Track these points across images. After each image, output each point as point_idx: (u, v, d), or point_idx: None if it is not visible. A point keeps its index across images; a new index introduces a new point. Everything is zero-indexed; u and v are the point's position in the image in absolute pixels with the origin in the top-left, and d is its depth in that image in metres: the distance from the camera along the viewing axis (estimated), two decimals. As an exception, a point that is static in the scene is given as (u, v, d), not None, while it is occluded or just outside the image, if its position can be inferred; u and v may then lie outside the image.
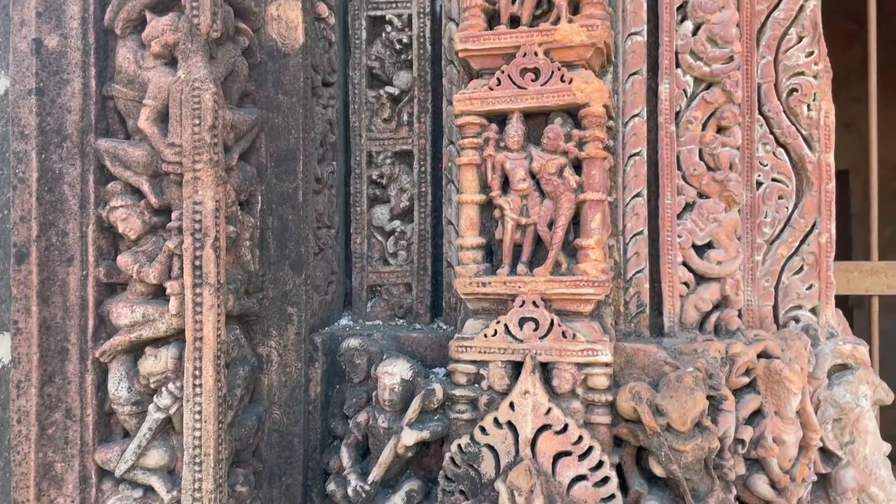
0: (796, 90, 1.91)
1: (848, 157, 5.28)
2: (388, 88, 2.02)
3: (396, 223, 2.02)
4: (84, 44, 1.53)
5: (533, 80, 1.65)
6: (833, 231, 1.93)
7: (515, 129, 1.66)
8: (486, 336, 1.65)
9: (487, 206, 1.72)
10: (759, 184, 1.92)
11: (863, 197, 5.46)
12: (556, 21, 1.65)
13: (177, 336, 1.54)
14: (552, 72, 1.63)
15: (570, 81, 1.63)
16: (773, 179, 1.92)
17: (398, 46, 2.02)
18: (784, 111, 1.91)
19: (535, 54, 1.64)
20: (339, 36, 2.01)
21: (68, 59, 1.52)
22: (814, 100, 1.91)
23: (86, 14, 1.53)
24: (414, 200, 2.00)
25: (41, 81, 1.51)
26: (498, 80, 1.66)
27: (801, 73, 1.91)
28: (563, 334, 1.62)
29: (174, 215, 1.52)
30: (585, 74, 1.65)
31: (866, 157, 2.51)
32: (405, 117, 2.02)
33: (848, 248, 5.46)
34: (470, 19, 1.69)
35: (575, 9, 1.68)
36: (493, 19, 1.73)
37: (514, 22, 1.71)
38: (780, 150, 1.92)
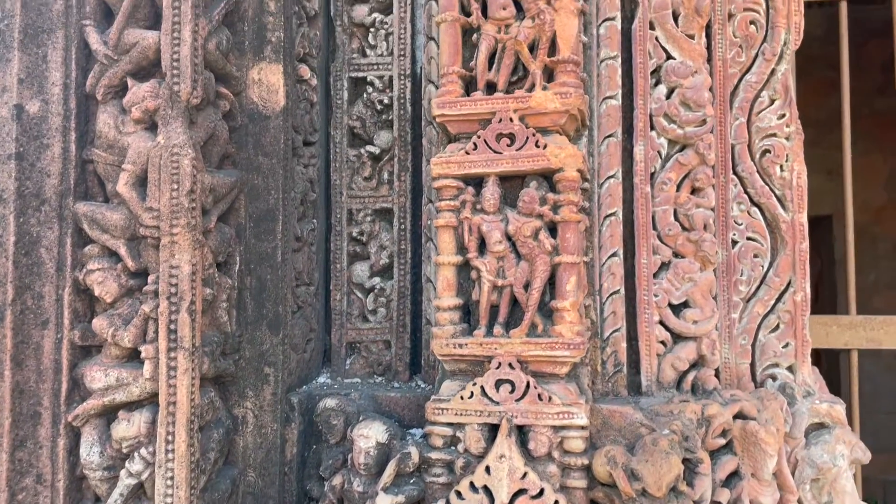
0: (769, 151, 1.95)
1: (830, 203, 5.36)
2: (369, 147, 2.05)
3: (376, 280, 2.03)
4: (65, 109, 1.56)
5: (508, 146, 1.68)
6: (808, 290, 1.95)
7: (491, 192, 1.69)
8: (462, 398, 1.65)
9: (465, 267, 1.73)
10: (734, 242, 1.95)
11: (846, 243, 5.55)
12: (532, 88, 1.69)
13: (151, 400, 1.53)
14: (527, 137, 1.67)
15: (545, 147, 1.66)
16: (748, 238, 1.95)
17: (379, 107, 2.05)
18: (758, 171, 1.95)
19: (511, 120, 1.68)
20: (321, 96, 2.05)
21: (49, 124, 1.55)
22: (786, 161, 1.95)
23: (67, 80, 1.56)
24: (394, 257, 2.02)
25: (21, 146, 1.53)
26: (475, 144, 1.69)
27: (774, 135, 1.96)
28: (539, 397, 1.62)
29: (150, 279, 1.53)
30: (560, 140, 1.69)
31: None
32: (385, 176, 2.05)
33: (833, 293, 5.51)
34: (447, 85, 1.73)
35: (549, 76, 1.72)
36: (470, 84, 1.77)
37: (491, 87, 1.75)
38: (755, 209, 1.96)
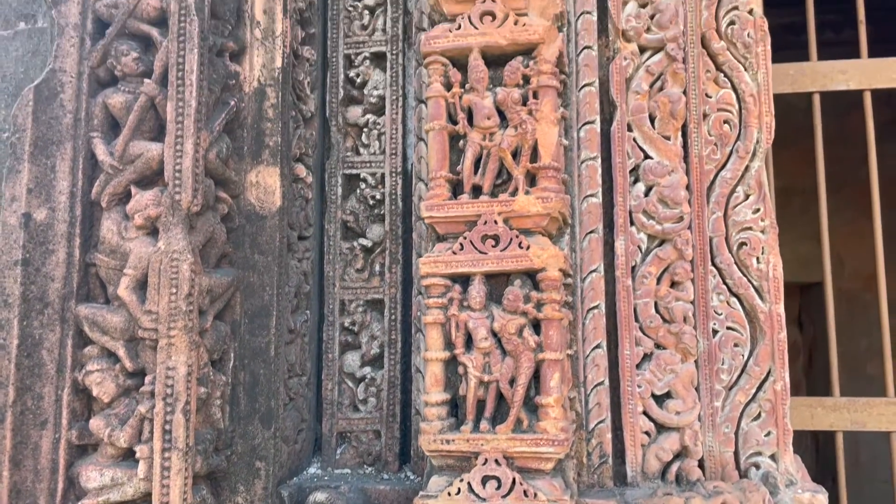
0: (746, 244, 2.03)
1: (820, 271, 5.46)
2: (362, 240, 2.13)
3: (367, 370, 2.08)
4: (71, 216, 1.64)
5: (493, 246, 1.76)
6: (787, 379, 2.00)
7: (477, 290, 1.76)
8: (449, 494, 1.68)
9: (452, 362, 1.79)
10: (714, 331, 2.01)
11: (837, 309, 5.60)
12: (515, 192, 1.78)
13: (144, 499, 1.57)
14: (511, 239, 1.75)
15: (528, 248, 1.74)
16: (728, 328, 2.01)
17: (372, 202, 2.14)
18: (735, 263, 2.03)
19: (496, 222, 1.76)
20: (315, 192, 2.14)
21: (55, 230, 1.63)
22: (762, 253, 2.03)
23: (74, 189, 1.65)
24: (384, 347, 2.08)
25: (27, 252, 1.61)
26: (461, 245, 1.77)
27: (750, 229, 2.04)
28: (525, 493, 1.66)
29: (147, 379, 1.58)
30: (542, 241, 1.77)
31: (839, 269, 2.63)
32: (377, 268, 2.12)
33: (828, 360, 5.54)
34: (436, 189, 1.82)
35: (532, 179, 1.82)
36: (457, 186, 1.86)
37: (477, 190, 1.84)
38: (734, 299, 2.02)
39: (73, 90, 1.65)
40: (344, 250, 2.14)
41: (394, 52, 2.15)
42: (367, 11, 2.18)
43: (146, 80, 1.65)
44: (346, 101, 2.18)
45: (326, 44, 2.18)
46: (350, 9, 2.19)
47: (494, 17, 1.83)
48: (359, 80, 2.17)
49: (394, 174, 2.13)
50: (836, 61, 2.67)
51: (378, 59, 2.18)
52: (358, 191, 2.15)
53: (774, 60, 2.25)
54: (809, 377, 5.61)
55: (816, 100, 2.63)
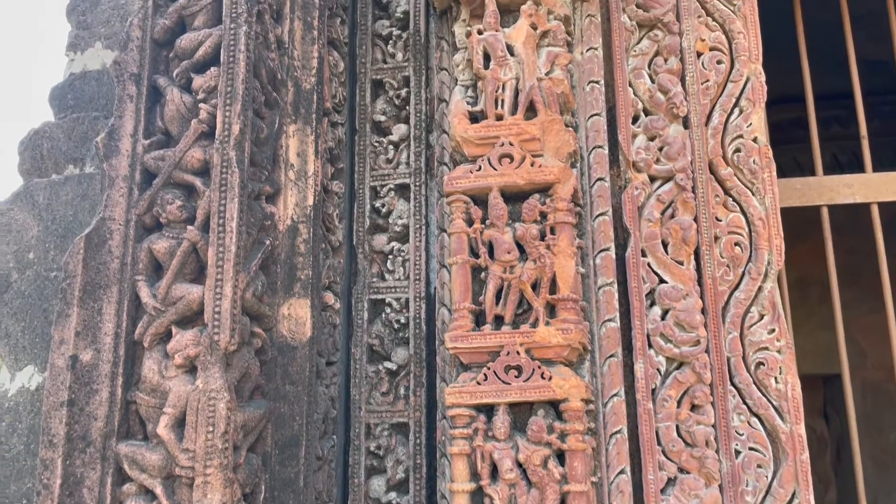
0: (763, 364, 2.07)
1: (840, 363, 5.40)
2: (387, 364, 2.20)
3: (392, 495, 2.11)
4: (115, 356, 1.73)
5: (516, 377, 1.82)
6: (812, 500, 2.00)
7: (502, 420, 1.81)
8: None
9: (478, 492, 1.82)
10: (737, 452, 2.02)
11: (862, 400, 5.49)
12: (535, 323, 1.86)
13: None
14: (533, 370, 1.81)
15: (550, 378, 1.80)
16: (751, 448, 2.03)
17: (396, 326, 2.22)
18: (754, 383, 2.06)
19: (518, 353, 1.83)
20: (342, 317, 2.23)
21: (99, 371, 1.71)
22: (780, 373, 2.07)
23: (119, 329, 1.74)
24: (410, 472, 2.11)
25: (73, 393, 1.69)
26: (485, 375, 1.84)
27: (766, 349, 2.09)
28: None
29: (183, 517, 1.62)
30: (564, 371, 1.83)
31: (861, 360, 2.62)
32: (402, 391, 2.18)
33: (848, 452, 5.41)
34: (459, 320, 1.90)
35: (552, 310, 1.89)
36: (479, 316, 1.94)
37: (499, 319, 1.92)
38: (755, 419, 2.05)
39: (121, 237, 1.77)
40: (370, 374, 2.21)
41: (417, 183, 2.28)
42: (391, 147, 2.32)
43: (189, 227, 1.77)
44: (372, 229, 2.30)
45: (354, 177, 2.32)
46: (376, 144, 2.34)
47: (512, 159, 1.95)
48: (384, 210, 2.29)
49: (418, 299, 2.22)
50: (841, 176, 2.76)
51: (402, 190, 2.31)
52: (383, 315, 2.24)
53: (781, 155, 2.34)
54: (839, 472, 5.48)
55: (825, 213, 2.70)
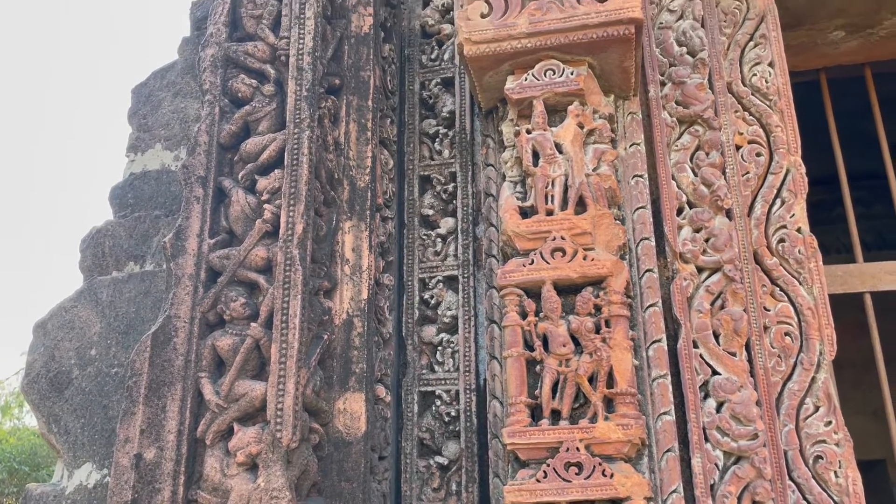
0: (821, 457, 2.04)
1: (881, 447, 5.23)
2: (438, 458, 2.18)
3: None
4: (177, 454, 1.73)
5: (577, 474, 1.80)
6: None
7: (564, 520, 1.77)
8: None
9: None
10: (800, 550, 1.96)
11: (905, 487, 5.28)
12: (594, 418, 1.85)
13: None
14: (594, 467, 1.79)
15: (612, 476, 1.78)
16: (814, 546, 1.97)
17: (447, 418, 2.22)
18: (813, 477, 2.02)
19: (578, 449, 1.81)
20: (392, 410, 2.23)
21: (162, 469, 1.71)
22: (839, 467, 2.02)
23: (181, 427, 1.76)
24: (464, 572, 2.06)
25: (136, 493, 1.69)
26: (545, 472, 1.82)
27: (824, 441, 2.05)
28: None
29: None
30: (625, 468, 1.81)
31: None
32: (454, 486, 2.15)
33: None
34: (516, 415, 1.89)
35: (609, 403, 1.89)
36: (535, 410, 1.93)
37: (556, 413, 1.91)
38: (817, 515, 2.00)
39: (185, 334, 1.81)
40: (420, 468, 2.19)
41: (465, 275, 2.32)
42: (439, 239, 2.38)
43: (252, 324, 1.80)
44: (421, 321, 2.32)
45: (403, 269, 2.37)
46: (424, 237, 2.39)
47: (564, 253, 1.99)
48: (433, 302, 2.33)
49: (468, 391, 2.22)
50: (882, 263, 2.78)
51: (450, 282, 2.34)
52: (433, 407, 2.24)
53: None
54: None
55: (868, 300, 2.71)
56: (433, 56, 2.56)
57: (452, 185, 2.42)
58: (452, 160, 2.44)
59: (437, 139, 2.48)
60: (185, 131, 2.35)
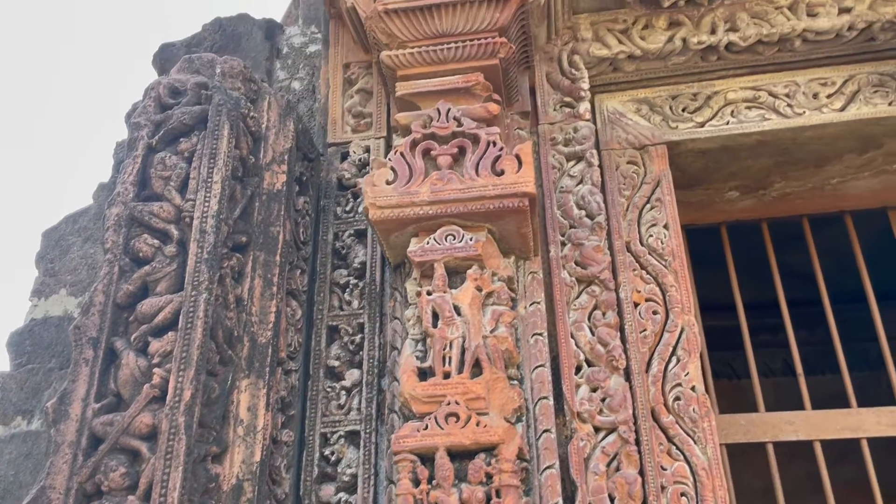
0: None
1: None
2: None
3: None
4: None
5: None
6: None
7: None
8: None
9: None
10: None
11: None
12: None
13: None
14: None
15: None
16: None
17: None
18: None
19: None
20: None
21: None
22: None
23: None
24: None
25: None
26: None
27: None
28: None
29: None
30: None
31: None
32: None
33: None
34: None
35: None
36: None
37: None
38: None
39: (59, 507, 1.74)
40: None
41: (367, 430, 2.31)
42: (344, 392, 2.38)
43: (130, 497, 1.75)
44: (320, 478, 2.28)
45: (304, 423, 2.34)
46: (328, 389, 2.39)
47: (458, 419, 2.01)
48: (333, 458, 2.29)
49: (364, 556, 2.16)
50: (783, 413, 2.87)
51: (352, 437, 2.32)
52: (328, 573, 2.16)
53: (715, 362, 2.40)
54: None
55: (770, 450, 2.77)
56: (348, 208, 2.65)
57: (360, 335, 2.45)
58: (361, 311, 2.48)
59: (348, 289, 2.52)
60: (91, 277, 2.35)
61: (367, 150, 2.72)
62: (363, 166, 2.70)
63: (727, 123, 2.68)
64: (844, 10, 2.63)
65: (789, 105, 2.67)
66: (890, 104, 2.63)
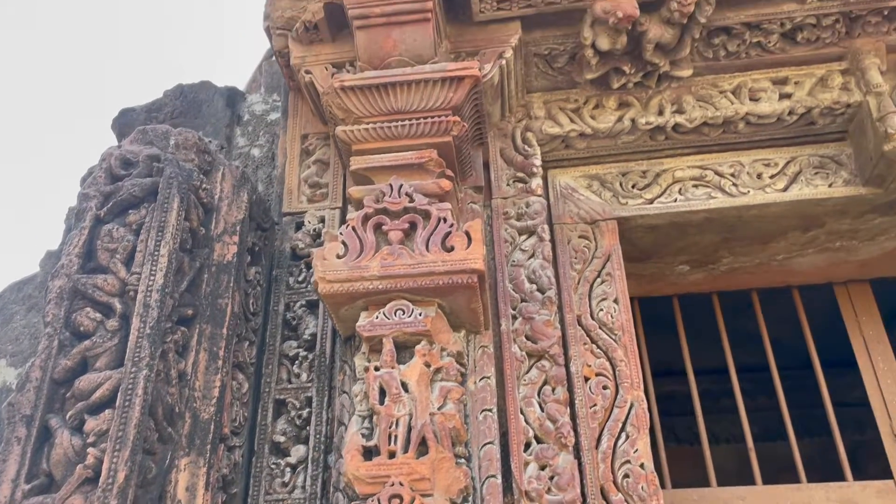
0: None
1: None
2: None
3: None
4: None
5: None
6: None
7: None
8: None
9: None
10: None
11: None
12: None
13: None
14: None
15: None
16: None
17: None
18: None
19: None
20: None
21: None
22: None
23: None
24: None
25: None
26: None
27: None
28: None
29: None
30: None
31: None
32: None
33: None
34: None
35: None
36: None
37: None
38: None
39: None
40: None
41: (312, 509, 2.25)
42: (289, 469, 2.32)
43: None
44: (262, 560, 2.21)
45: (247, 502, 2.28)
46: (273, 466, 2.34)
47: (402, 500, 1.97)
48: (276, 540, 2.23)
49: None
50: (735, 488, 2.88)
51: (296, 516, 2.27)
52: None
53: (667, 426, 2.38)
54: None
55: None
56: (300, 278, 2.64)
57: (308, 410, 2.41)
58: (310, 384, 2.44)
59: (297, 361, 2.49)
60: (33, 348, 2.29)
61: (323, 220, 2.73)
62: (317, 236, 2.71)
63: (675, 201, 2.75)
64: (785, 96, 2.75)
65: (734, 184, 2.75)
66: (830, 185, 2.72)
